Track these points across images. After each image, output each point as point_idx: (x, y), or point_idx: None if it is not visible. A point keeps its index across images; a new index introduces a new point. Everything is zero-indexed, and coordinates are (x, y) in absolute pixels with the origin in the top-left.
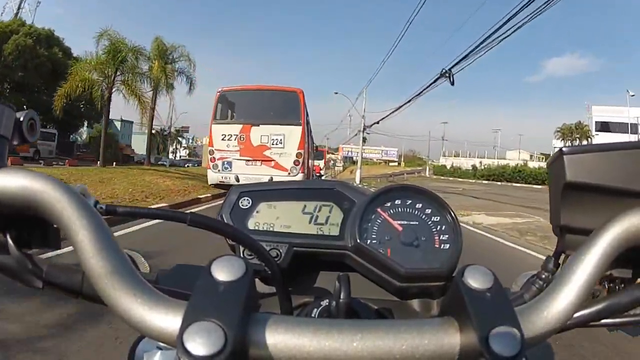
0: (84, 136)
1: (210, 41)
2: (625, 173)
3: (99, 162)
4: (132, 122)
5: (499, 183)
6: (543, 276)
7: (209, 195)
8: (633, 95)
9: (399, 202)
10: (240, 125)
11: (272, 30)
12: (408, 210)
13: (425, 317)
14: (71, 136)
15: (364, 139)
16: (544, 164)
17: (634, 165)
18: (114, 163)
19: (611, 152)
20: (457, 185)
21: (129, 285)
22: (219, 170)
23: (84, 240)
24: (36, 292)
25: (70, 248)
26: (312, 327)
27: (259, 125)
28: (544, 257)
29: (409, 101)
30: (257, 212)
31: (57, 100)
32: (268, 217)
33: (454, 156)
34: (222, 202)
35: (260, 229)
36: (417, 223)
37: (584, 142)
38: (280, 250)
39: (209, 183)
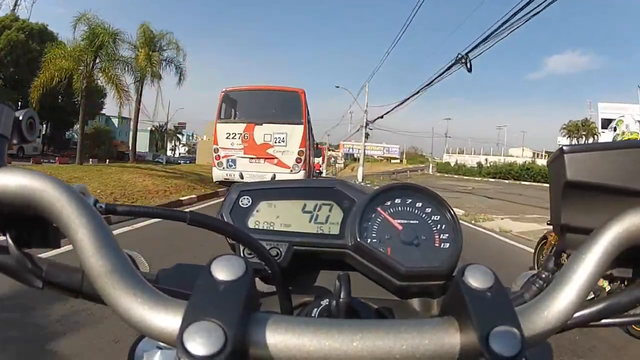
0: None
1: (210, 41)
2: (625, 172)
3: (98, 159)
4: (130, 119)
5: (507, 181)
6: (543, 276)
7: (193, 196)
8: None
9: (399, 201)
10: (244, 124)
11: (272, 30)
12: (408, 209)
13: (426, 317)
14: (67, 133)
15: (367, 135)
16: None
17: (635, 164)
18: (107, 160)
19: (612, 151)
20: (464, 183)
21: (128, 285)
22: (223, 168)
23: (83, 239)
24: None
25: (69, 247)
26: (312, 327)
27: (262, 124)
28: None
29: (417, 92)
30: (257, 211)
31: (32, 92)
32: (268, 216)
33: (458, 153)
34: (207, 205)
35: (261, 228)
36: (417, 222)
37: (590, 140)
38: (281, 249)
39: (214, 180)
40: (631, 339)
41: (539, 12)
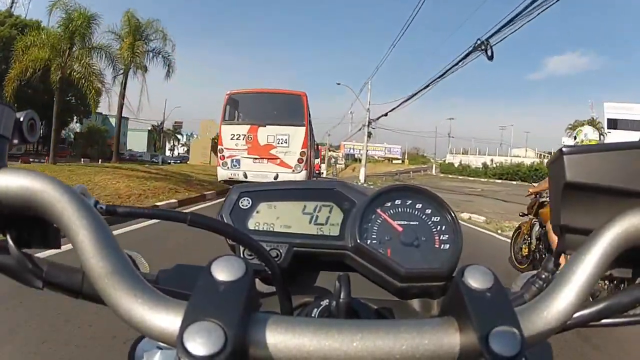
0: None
1: (210, 41)
2: (625, 173)
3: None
4: (127, 119)
5: (514, 182)
6: (543, 276)
7: (173, 201)
8: None
9: (399, 202)
10: (248, 126)
11: (272, 29)
12: (408, 210)
13: (426, 317)
14: (63, 132)
15: (369, 134)
16: None
17: (634, 165)
18: (100, 160)
19: (611, 152)
20: (471, 184)
21: (129, 285)
22: (228, 168)
23: (84, 240)
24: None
25: (69, 247)
26: (312, 327)
27: (265, 126)
28: None
29: (427, 86)
30: (257, 212)
31: (7, 85)
32: (268, 217)
33: (462, 153)
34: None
35: (261, 229)
36: (417, 223)
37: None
38: (281, 250)
39: (219, 179)
40: (631, 339)
41: None
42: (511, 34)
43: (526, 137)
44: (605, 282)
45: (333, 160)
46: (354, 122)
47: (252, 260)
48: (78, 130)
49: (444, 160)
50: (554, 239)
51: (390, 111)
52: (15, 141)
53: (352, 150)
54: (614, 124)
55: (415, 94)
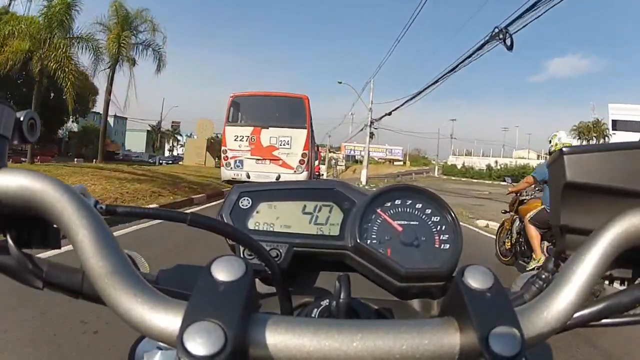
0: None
1: (210, 41)
2: (625, 173)
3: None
4: (126, 119)
5: None
6: (543, 276)
7: (154, 206)
8: None
9: (399, 202)
10: (251, 128)
11: (272, 29)
12: (408, 210)
13: (426, 317)
14: (60, 131)
15: (372, 135)
16: None
17: (634, 165)
18: (94, 160)
19: (611, 152)
20: (476, 187)
21: (129, 285)
22: (231, 168)
23: (84, 240)
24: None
25: (70, 247)
26: (312, 327)
27: (268, 128)
28: None
29: (436, 81)
30: (257, 212)
31: None
32: (268, 217)
33: (465, 155)
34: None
35: (260, 229)
36: (417, 223)
37: (601, 142)
38: (280, 251)
39: (222, 179)
40: (631, 339)
41: None
42: (532, 22)
43: (529, 138)
44: (606, 282)
45: (333, 161)
46: (355, 123)
47: (252, 260)
48: (75, 129)
49: (446, 162)
50: (531, 232)
51: (394, 110)
52: (15, 141)
53: (352, 152)
54: (618, 125)
55: (423, 90)
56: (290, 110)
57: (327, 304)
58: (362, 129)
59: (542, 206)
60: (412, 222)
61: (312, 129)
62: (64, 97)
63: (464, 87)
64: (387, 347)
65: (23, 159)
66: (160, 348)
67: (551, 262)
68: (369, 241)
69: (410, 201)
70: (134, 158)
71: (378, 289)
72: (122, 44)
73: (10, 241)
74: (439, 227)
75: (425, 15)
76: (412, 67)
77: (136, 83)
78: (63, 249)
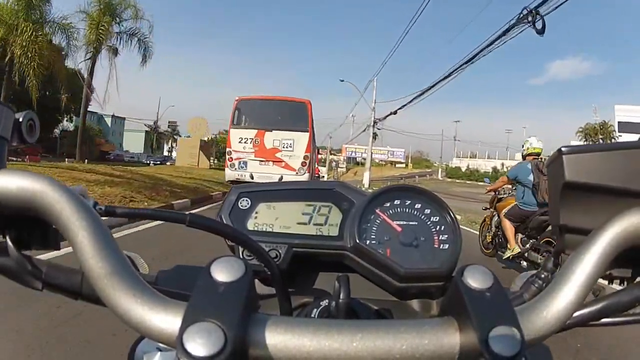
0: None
1: (210, 41)
2: (624, 173)
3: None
4: (124, 119)
5: None
6: (542, 276)
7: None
8: None
9: (398, 203)
10: (256, 130)
11: (272, 29)
12: (407, 210)
13: (425, 317)
14: (55, 131)
15: (374, 135)
16: None
17: (633, 165)
18: (86, 160)
19: (610, 152)
20: (483, 190)
21: (128, 286)
22: (235, 169)
23: (83, 241)
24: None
25: (69, 249)
26: (312, 328)
27: (271, 131)
28: None
29: (449, 75)
30: (256, 212)
31: None
32: (267, 218)
33: (470, 157)
34: (136, 230)
35: (260, 229)
36: (416, 223)
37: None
38: (280, 251)
39: (226, 180)
40: (631, 339)
41: None
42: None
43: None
44: (605, 281)
45: (334, 163)
46: (356, 124)
47: (251, 261)
48: (72, 129)
49: (449, 164)
50: (506, 225)
51: (399, 108)
52: (15, 142)
53: (354, 154)
54: (624, 127)
55: (434, 85)
56: (293, 114)
57: (327, 304)
58: (364, 130)
59: (515, 202)
60: (411, 223)
61: (314, 132)
62: (57, 96)
63: (467, 89)
64: (386, 347)
65: (19, 160)
66: (159, 349)
67: (550, 261)
68: (368, 241)
69: (409, 201)
70: (129, 159)
71: (377, 290)
72: (100, 31)
73: (9, 242)
74: (438, 227)
75: (429, 14)
76: (413, 68)
77: (135, 81)
78: (62, 250)
